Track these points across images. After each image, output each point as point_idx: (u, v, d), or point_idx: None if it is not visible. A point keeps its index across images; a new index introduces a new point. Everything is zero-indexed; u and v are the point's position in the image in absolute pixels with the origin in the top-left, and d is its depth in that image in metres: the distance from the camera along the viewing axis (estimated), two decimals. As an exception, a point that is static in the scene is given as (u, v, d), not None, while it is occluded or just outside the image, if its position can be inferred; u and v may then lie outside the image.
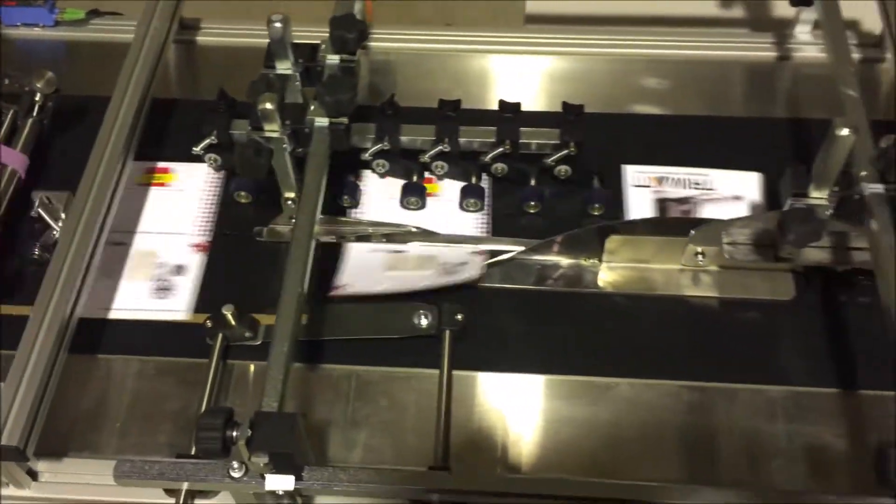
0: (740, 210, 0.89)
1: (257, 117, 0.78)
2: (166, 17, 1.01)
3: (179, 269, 0.87)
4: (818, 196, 0.75)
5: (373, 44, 1.06)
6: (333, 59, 0.84)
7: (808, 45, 1.03)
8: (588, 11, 1.18)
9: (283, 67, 0.83)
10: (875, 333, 0.76)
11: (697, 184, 0.92)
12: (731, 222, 0.82)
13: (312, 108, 0.80)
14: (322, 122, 0.80)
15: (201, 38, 1.08)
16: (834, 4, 0.91)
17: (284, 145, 0.79)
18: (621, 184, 0.92)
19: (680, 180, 0.93)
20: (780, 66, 1.04)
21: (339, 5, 0.88)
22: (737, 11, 1.16)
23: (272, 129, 0.78)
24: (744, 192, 0.91)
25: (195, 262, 0.88)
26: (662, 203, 0.91)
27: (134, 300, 0.85)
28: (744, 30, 1.07)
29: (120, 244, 0.89)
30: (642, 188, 0.92)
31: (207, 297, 0.85)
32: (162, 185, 0.94)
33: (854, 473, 0.75)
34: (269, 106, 0.76)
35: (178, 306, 0.85)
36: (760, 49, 1.04)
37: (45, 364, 0.74)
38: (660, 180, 0.92)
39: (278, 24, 0.79)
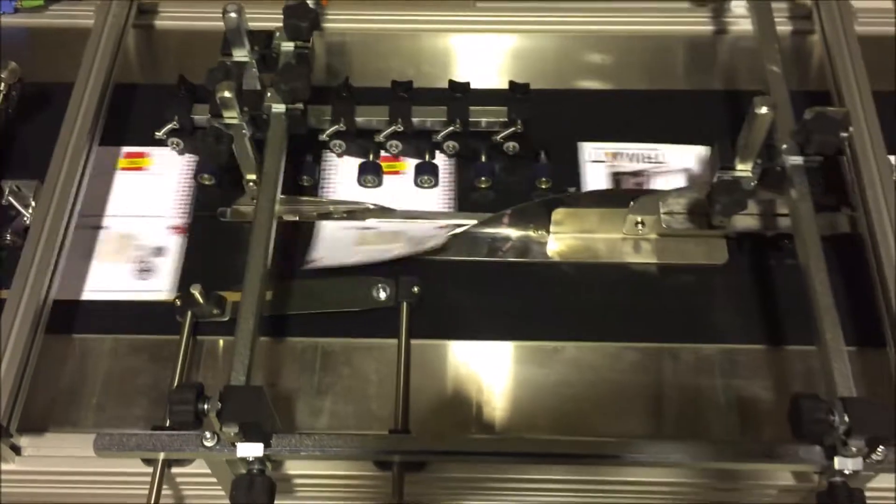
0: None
1: (216, 105, 0.82)
2: (125, 2, 1.04)
3: (159, 251, 0.91)
4: (743, 168, 0.81)
5: (328, 25, 1.09)
6: (288, 45, 0.88)
7: (743, 18, 1.07)
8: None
9: (240, 55, 0.87)
10: (801, 292, 0.82)
11: (649, 158, 0.97)
12: (667, 193, 0.88)
13: (269, 94, 0.84)
14: (279, 108, 0.84)
15: (159, 22, 1.10)
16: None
17: (244, 131, 0.83)
18: (578, 160, 0.97)
19: (634, 155, 0.98)
20: (719, 40, 1.08)
21: (291, -7, 0.92)
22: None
23: (231, 117, 0.82)
24: (691, 164, 0.96)
25: (174, 244, 0.92)
26: (617, 176, 0.96)
27: (115, 282, 0.89)
28: (685, 4, 1.11)
29: (99, 227, 0.93)
30: (598, 163, 0.97)
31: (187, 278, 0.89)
32: (140, 168, 0.98)
33: (782, 423, 0.82)
34: (227, 94, 0.80)
35: (159, 286, 0.89)
36: (699, 24, 1.09)
37: (24, 345, 0.79)
38: (614, 155, 0.97)
39: (234, 14, 0.83)
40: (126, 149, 0.99)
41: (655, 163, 0.96)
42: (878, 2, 1.09)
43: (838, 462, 0.67)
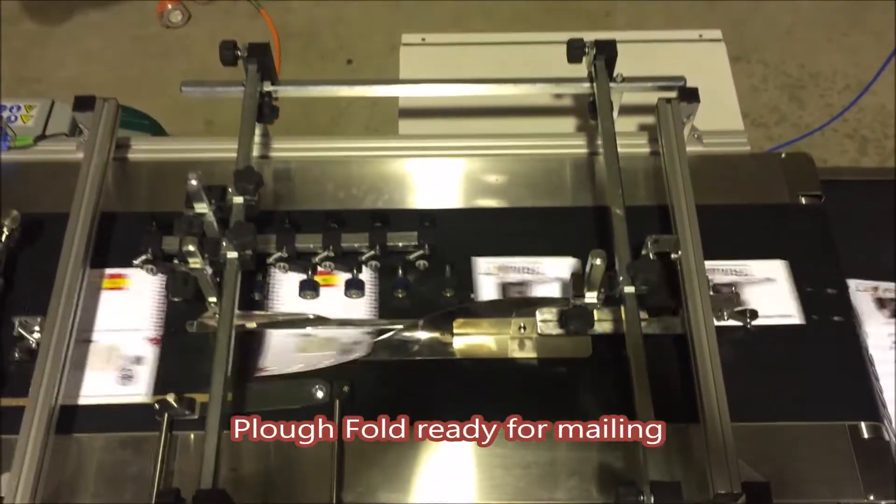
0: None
1: (183, 253, 1.04)
2: (108, 138, 1.25)
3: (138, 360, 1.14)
4: (591, 296, 1.05)
5: (274, 154, 1.32)
6: (239, 199, 1.10)
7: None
8: (445, 105, 1.45)
9: (200, 208, 1.09)
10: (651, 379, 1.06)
11: (529, 269, 1.20)
12: (541, 304, 1.12)
13: (224, 243, 1.06)
14: (233, 254, 1.07)
15: (132, 155, 1.32)
16: (610, 138, 1.20)
17: (205, 273, 1.05)
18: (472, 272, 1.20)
19: (519, 268, 1.20)
20: (595, 161, 1.32)
21: (239, 156, 1.14)
22: (566, 101, 1.44)
23: (195, 262, 1.04)
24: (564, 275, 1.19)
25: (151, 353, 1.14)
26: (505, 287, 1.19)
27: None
28: (570, 130, 1.36)
29: (89, 341, 1.14)
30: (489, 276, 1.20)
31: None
32: (120, 288, 1.19)
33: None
34: (191, 248, 1.02)
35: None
36: (578, 147, 1.33)
37: (41, 446, 1.00)
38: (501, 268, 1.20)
39: (194, 182, 1.05)
40: (109, 270, 1.21)
41: (535, 274, 1.19)
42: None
43: (654, 529, 0.92)
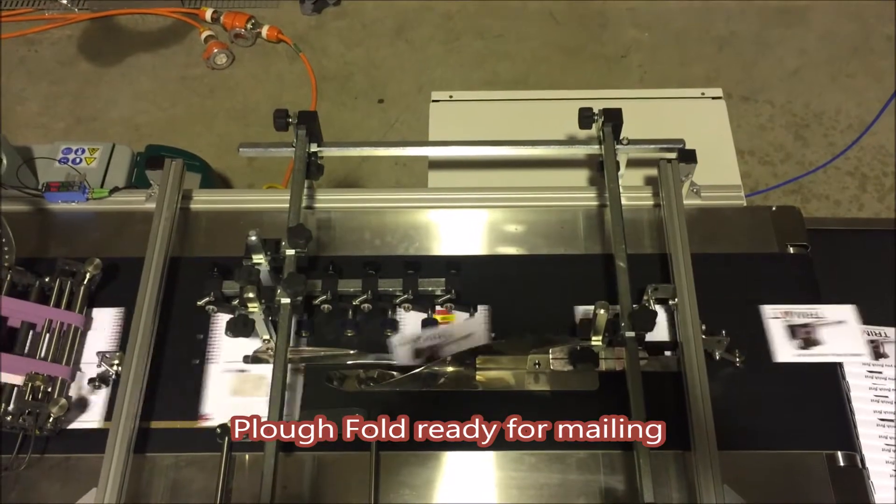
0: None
1: (243, 299, 1.21)
2: (176, 189, 1.42)
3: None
4: (596, 339, 1.21)
5: (318, 205, 1.48)
6: (291, 252, 1.27)
7: (622, 195, 1.46)
8: (473, 156, 1.61)
9: (258, 259, 1.26)
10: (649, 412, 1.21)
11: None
12: (554, 344, 1.27)
13: (279, 291, 1.23)
14: (286, 300, 1.23)
15: (193, 206, 1.49)
16: (616, 199, 1.35)
17: (262, 316, 1.22)
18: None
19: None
20: (604, 212, 1.47)
21: (291, 214, 1.31)
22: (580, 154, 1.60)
23: (253, 307, 1.21)
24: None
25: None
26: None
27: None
28: (582, 181, 1.51)
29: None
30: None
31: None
32: None
33: None
34: (251, 295, 1.19)
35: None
36: (589, 199, 1.48)
37: (124, 465, 1.17)
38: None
39: (254, 238, 1.22)
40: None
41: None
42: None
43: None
